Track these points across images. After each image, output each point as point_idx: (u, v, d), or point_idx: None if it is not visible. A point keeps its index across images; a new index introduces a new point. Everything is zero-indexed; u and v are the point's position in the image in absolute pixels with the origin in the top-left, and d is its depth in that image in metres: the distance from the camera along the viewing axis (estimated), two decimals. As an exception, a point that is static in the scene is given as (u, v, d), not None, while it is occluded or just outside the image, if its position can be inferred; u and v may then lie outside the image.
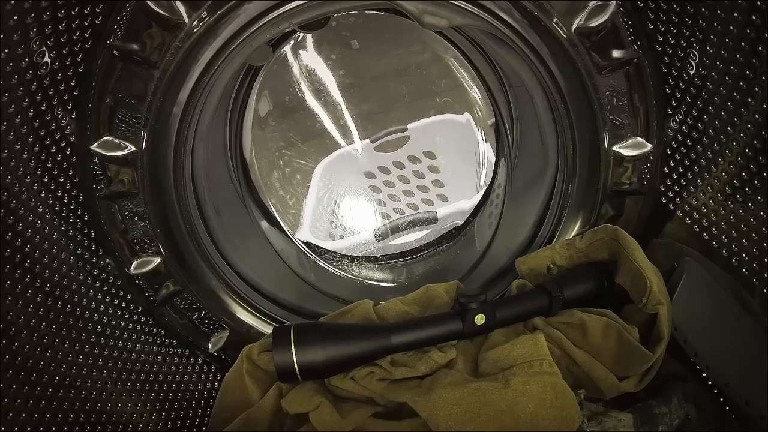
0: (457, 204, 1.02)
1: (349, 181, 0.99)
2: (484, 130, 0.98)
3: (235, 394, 0.74)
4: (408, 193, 1.01)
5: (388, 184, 1.00)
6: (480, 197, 1.01)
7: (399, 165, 0.99)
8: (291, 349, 0.69)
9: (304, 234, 1.00)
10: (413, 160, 0.98)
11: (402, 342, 0.72)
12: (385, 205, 1.01)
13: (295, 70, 0.88)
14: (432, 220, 1.02)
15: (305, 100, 0.91)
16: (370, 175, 0.99)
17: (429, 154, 0.98)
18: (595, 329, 0.70)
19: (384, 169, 0.99)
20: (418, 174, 1.00)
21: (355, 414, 0.69)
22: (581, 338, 0.71)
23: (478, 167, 1.00)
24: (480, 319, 0.72)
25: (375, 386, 0.70)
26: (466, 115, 0.97)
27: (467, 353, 0.74)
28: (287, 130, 0.95)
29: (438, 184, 1.01)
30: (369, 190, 1.00)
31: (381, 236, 1.01)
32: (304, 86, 0.90)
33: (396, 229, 1.02)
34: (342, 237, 1.02)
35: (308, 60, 0.87)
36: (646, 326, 0.70)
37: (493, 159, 0.99)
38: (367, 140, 0.96)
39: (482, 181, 1.00)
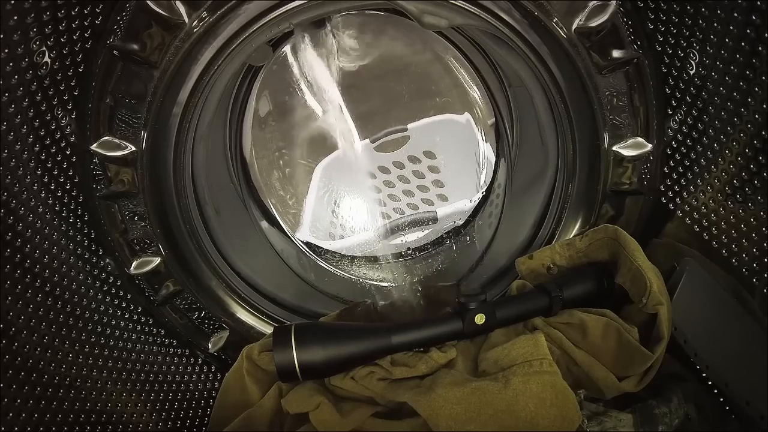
0: (457, 204, 1.02)
1: (349, 181, 0.99)
2: (484, 130, 0.98)
3: (235, 394, 0.74)
4: (408, 193, 1.01)
5: (388, 184, 1.00)
6: (480, 197, 1.01)
7: (399, 165, 0.99)
8: (292, 349, 0.69)
9: (304, 234, 1.00)
10: (413, 160, 0.98)
11: (402, 342, 0.72)
12: (385, 205, 1.01)
13: (295, 70, 0.88)
14: (432, 220, 1.02)
15: (305, 100, 0.91)
16: (370, 175, 0.99)
17: (429, 154, 0.98)
18: (594, 329, 0.70)
19: (384, 169, 0.99)
20: (418, 174, 1.00)
21: (355, 414, 0.69)
22: (581, 338, 0.71)
23: (478, 167, 1.00)
24: (480, 319, 0.72)
25: (375, 386, 0.70)
26: (466, 115, 0.97)
27: (467, 353, 0.74)
28: (287, 130, 0.95)
29: (438, 184, 1.01)
30: (369, 190, 0.99)
31: (381, 236, 1.01)
32: (304, 86, 0.90)
33: (396, 229, 1.02)
34: (342, 237, 1.02)
35: (308, 60, 0.87)
36: (646, 326, 0.70)
37: (493, 159, 0.99)
38: (367, 140, 0.96)
39: (482, 181, 1.00)
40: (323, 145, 0.95)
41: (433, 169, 1.00)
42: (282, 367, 0.69)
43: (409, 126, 0.96)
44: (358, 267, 1.03)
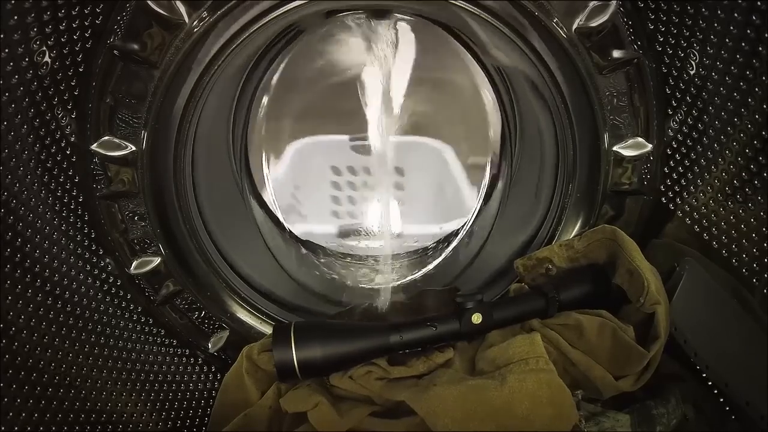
0: (426, 226, 1.02)
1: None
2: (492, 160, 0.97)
3: (234, 394, 0.74)
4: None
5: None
6: (479, 198, 1.01)
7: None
8: (291, 347, 0.69)
9: (305, 235, 1.00)
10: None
11: (400, 342, 0.72)
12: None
13: (318, 60, 0.87)
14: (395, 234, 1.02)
15: (321, 98, 0.90)
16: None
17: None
18: (590, 329, 0.70)
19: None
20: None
21: (353, 413, 0.69)
22: (577, 339, 0.71)
23: (479, 192, 1.00)
24: (477, 318, 0.72)
25: (373, 385, 0.70)
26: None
27: (465, 353, 0.74)
28: (299, 128, 0.95)
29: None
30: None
31: (344, 235, 1.01)
32: (322, 82, 0.89)
33: (351, 233, 1.01)
34: (344, 237, 1.01)
35: (337, 49, 0.86)
36: (644, 326, 0.70)
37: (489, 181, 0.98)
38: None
39: (481, 189, 1.00)
40: (335, 144, 0.95)
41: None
42: (281, 364, 0.69)
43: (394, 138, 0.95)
44: (356, 269, 1.02)
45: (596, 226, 0.82)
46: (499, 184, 0.98)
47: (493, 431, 0.64)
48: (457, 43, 0.88)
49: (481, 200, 1.00)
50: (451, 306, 0.76)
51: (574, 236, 0.84)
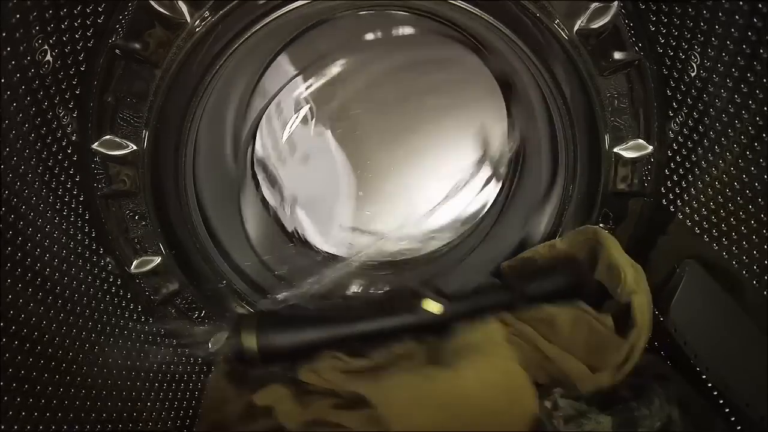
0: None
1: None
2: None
3: (216, 394, 0.75)
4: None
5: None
6: (479, 204, 1.00)
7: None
8: (254, 334, 0.71)
9: (303, 230, 1.00)
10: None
11: (361, 332, 0.73)
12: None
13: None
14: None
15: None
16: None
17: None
18: (564, 321, 0.70)
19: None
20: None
21: (315, 405, 0.70)
22: (552, 332, 0.71)
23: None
24: (436, 308, 0.73)
25: (336, 378, 0.71)
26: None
27: (430, 347, 0.74)
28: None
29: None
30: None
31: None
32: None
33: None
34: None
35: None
36: (625, 317, 0.70)
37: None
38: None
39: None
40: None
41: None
42: (243, 350, 0.72)
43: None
44: (353, 272, 1.02)
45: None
46: (502, 187, 0.98)
47: (445, 419, 0.64)
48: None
49: (481, 206, 1.00)
50: (414, 298, 0.76)
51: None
